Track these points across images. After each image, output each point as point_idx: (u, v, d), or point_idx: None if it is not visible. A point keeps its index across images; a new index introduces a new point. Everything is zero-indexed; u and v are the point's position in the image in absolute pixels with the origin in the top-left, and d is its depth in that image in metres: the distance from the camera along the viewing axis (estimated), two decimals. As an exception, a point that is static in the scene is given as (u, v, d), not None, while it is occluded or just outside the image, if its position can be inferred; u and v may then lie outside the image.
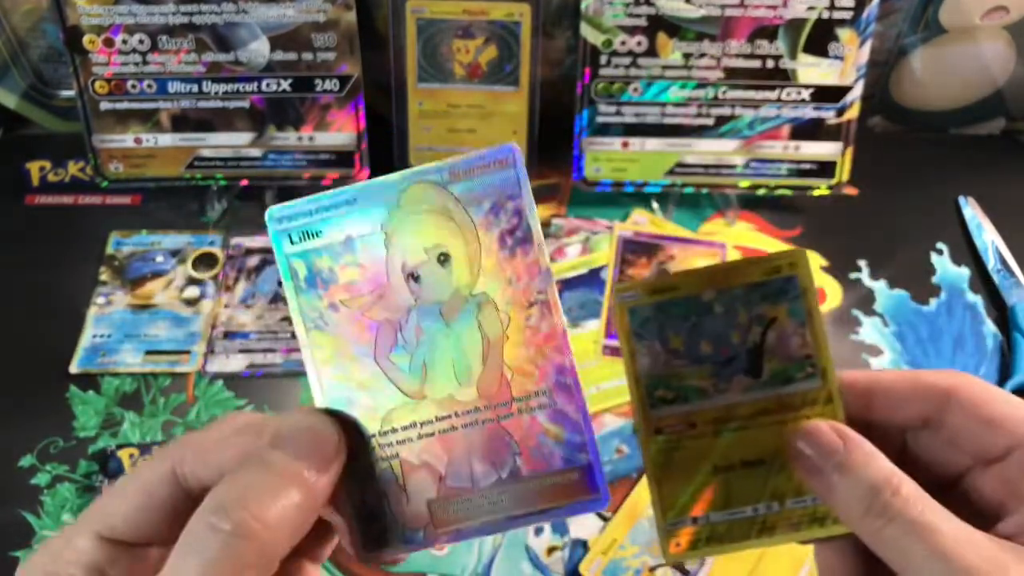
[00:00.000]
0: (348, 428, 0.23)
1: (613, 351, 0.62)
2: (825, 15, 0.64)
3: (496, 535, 0.25)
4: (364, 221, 0.23)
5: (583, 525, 0.54)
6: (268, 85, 0.66)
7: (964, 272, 0.67)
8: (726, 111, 0.66)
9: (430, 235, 0.23)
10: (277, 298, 0.65)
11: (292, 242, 0.24)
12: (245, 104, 0.66)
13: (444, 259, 0.23)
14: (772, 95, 0.66)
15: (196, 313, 0.64)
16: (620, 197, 0.71)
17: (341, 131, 0.67)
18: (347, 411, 0.24)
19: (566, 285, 0.66)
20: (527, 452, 0.24)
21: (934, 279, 0.67)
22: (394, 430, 0.24)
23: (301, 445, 0.22)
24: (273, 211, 0.24)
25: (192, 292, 0.65)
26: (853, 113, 0.66)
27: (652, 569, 0.52)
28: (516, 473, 0.24)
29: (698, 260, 0.67)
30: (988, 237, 0.69)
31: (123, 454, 0.56)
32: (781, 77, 0.65)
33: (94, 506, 0.23)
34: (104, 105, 0.66)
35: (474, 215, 0.23)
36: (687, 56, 0.65)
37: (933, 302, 0.66)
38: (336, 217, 0.23)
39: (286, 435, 0.22)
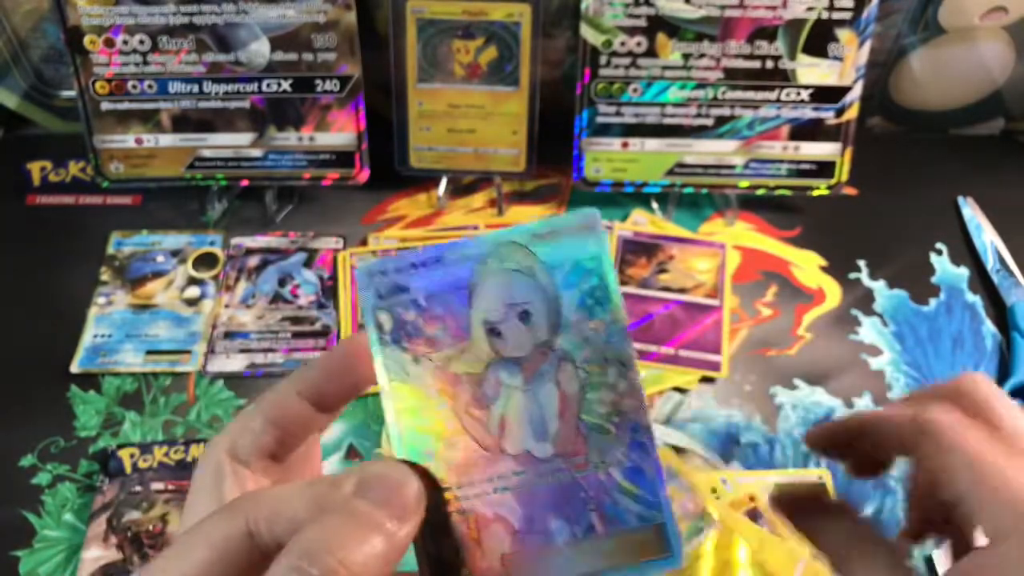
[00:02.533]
0: (426, 479, 0.24)
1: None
2: (824, 15, 0.64)
3: None
4: (449, 278, 0.24)
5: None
6: (268, 85, 0.66)
7: (963, 272, 0.68)
8: (726, 111, 0.66)
9: (512, 293, 0.24)
10: (277, 298, 0.65)
11: (380, 296, 0.25)
12: (245, 104, 0.66)
13: (525, 316, 0.24)
14: (771, 95, 0.66)
15: (197, 313, 0.64)
16: (620, 197, 0.71)
17: (341, 131, 0.67)
18: (425, 462, 0.24)
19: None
20: (602, 509, 0.24)
21: (933, 279, 0.67)
22: (471, 483, 0.24)
23: (383, 494, 0.22)
24: (362, 267, 0.25)
25: (193, 292, 0.66)
26: (852, 113, 0.66)
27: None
28: (591, 529, 0.24)
29: (698, 260, 0.67)
30: (987, 237, 0.69)
31: (124, 454, 0.56)
32: (780, 77, 0.65)
33: (154, 565, 0.22)
34: (105, 105, 0.66)
35: (556, 275, 0.24)
36: (687, 56, 0.65)
37: (932, 302, 0.66)
38: (423, 274, 0.24)
39: (368, 484, 0.22)
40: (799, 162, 0.68)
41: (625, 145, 0.68)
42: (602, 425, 0.24)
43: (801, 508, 0.28)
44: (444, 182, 0.71)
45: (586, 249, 0.24)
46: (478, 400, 0.24)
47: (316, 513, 0.22)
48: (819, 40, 0.64)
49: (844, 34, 0.64)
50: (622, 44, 0.65)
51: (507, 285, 0.24)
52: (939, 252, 0.69)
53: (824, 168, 0.68)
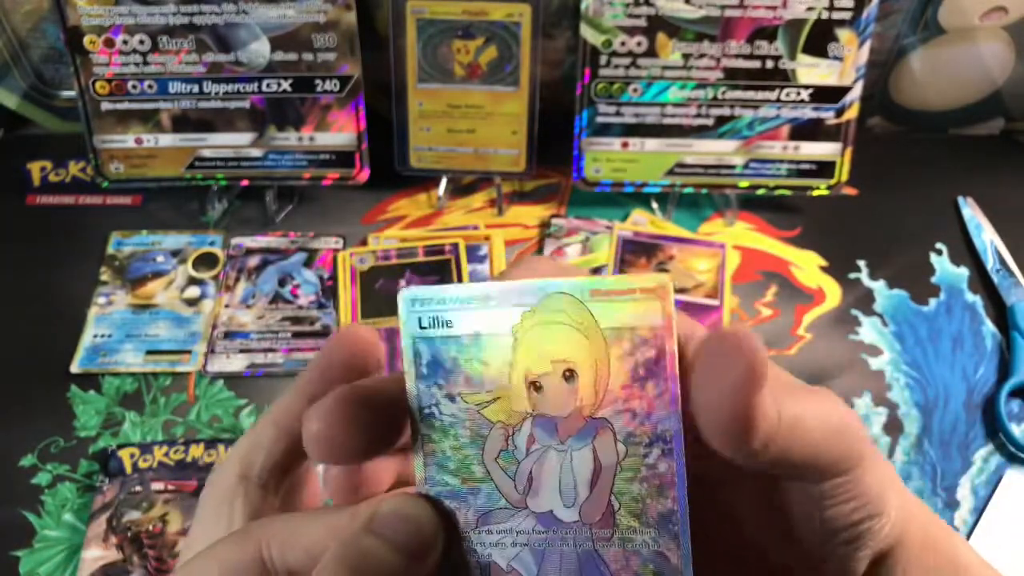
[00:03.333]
0: (445, 518, 0.23)
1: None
2: (824, 15, 0.64)
3: None
4: (496, 320, 0.23)
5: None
6: (268, 85, 0.66)
7: (963, 272, 0.68)
8: (726, 111, 0.66)
9: (560, 348, 0.23)
10: (277, 298, 0.65)
11: (421, 326, 0.23)
12: (245, 104, 0.66)
13: (570, 375, 0.23)
14: (771, 95, 0.66)
15: (197, 313, 0.64)
16: (620, 197, 0.71)
17: (341, 131, 0.67)
18: (446, 503, 0.23)
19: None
20: None
21: (933, 279, 0.67)
22: (489, 532, 0.23)
23: (399, 531, 0.22)
24: (408, 293, 0.23)
25: (193, 292, 0.66)
26: (852, 113, 0.66)
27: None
28: None
29: (698, 260, 0.67)
30: (987, 237, 0.69)
31: (124, 454, 0.56)
32: (780, 77, 0.65)
33: None
34: (105, 105, 0.66)
35: (610, 338, 0.22)
36: (687, 56, 0.65)
37: (932, 302, 0.66)
38: (469, 311, 0.23)
39: (386, 520, 0.22)
40: (799, 162, 0.68)
41: (625, 145, 0.68)
42: (634, 504, 0.23)
43: None
44: (444, 182, 0.71)
45: (648, 316, 0.22)
46: (508, 451, 0.23)
47: (326, 546, 0.21)
48: (819, 40, 0.64)
49: (844, 34, 0.64)
50: (622, 44, 0.65)
51: (555, 339, 0.23)
52: (939, 252, 0.69)
53: (824, 168, 0.68)
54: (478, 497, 0.23)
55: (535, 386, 0.23)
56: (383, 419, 0.22)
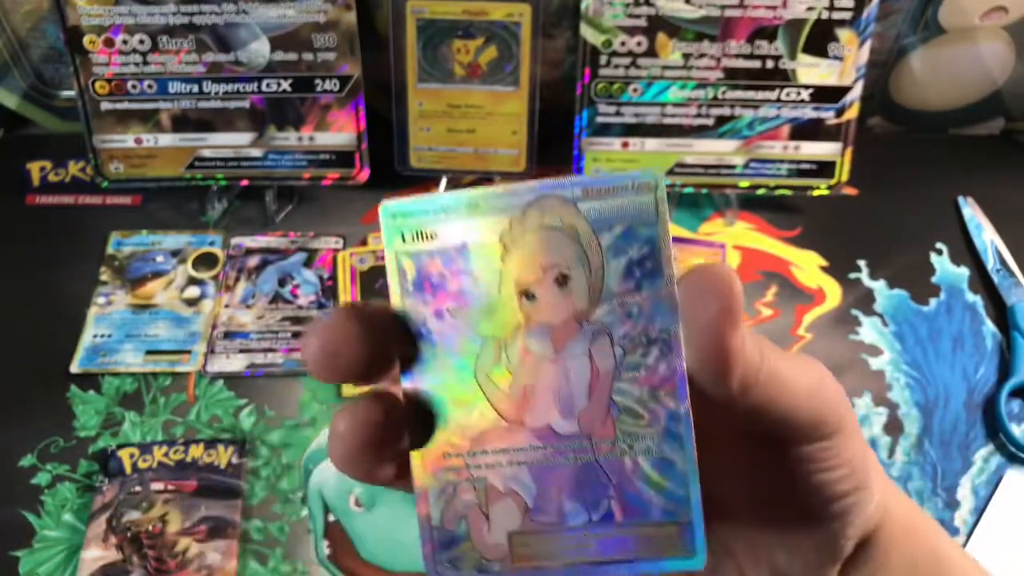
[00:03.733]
0: (436, 441, 0.22)
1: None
2: (825, 15, 0.64)
3: None
4: (483, 229, 0.22)
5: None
6: (268, 85, 0.66)
7: (964, 272, 0.68)
8: (726, 111, 0.66)
9: (551, 253, 0.22)
10: (277, 298, 0.65)
11: (404, 240, 0.22)
12: (245, 104, 0.66)
13: (563, 281, 0.22)
14: (772, 95, 0.66)
15: (196, 313, 0.64)
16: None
17: (341, 131, 0.67)
18: (436, 426, 0.22)
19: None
20: (623, 497, 0.22)
21: (934, 279, 0.67)
22: (484, 452, 0.22)
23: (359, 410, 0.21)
24: (388, 206, 0.22)
25: (192, 292, 0.66)
26: (853, 113, 0.66)
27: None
28: (608, 517, 0.22)
29: (698, 260, 0.67)
30: (987, 237, 0.69)
31: (123, 454, 0.56)
32: (781, 77, 0.65)
33: None
34: (104, 105, 0.66)
35: (603, 239, 0.21)
36: (687, 56, 0.65)
37: (933, 302, 0.66)
38: (454, 220, 0.22)
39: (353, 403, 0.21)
40: (799, 162, 0.68)
41: (625, 145, 0.68)
42: (635, 409, 0.22)
43: None
44: (444, 182, 0.71)
45: (641, 213, 0.21)
46: (501, 366, 0.22)
47: None
48: (819, 40, 0.64)
49: (844, 34, 0.64)
50: (622, 44, 0.65)
51: (546, 244, 0.22)
52: (939, 252, 0.69)
53: (824, 168, 0.68)
54: (471, 416, 0.22)
55: (527, 295, 0.22)
56: (380, 335, 0.21)
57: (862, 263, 0.68)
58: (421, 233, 0.22)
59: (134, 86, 0.66)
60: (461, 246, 0.22)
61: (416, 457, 0.22)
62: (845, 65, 0.65)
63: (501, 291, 0.22)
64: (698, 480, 0.22)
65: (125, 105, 0.66)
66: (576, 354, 0.22)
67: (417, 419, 0.22)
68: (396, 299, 0.22)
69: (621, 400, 0.22)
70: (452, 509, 0.23)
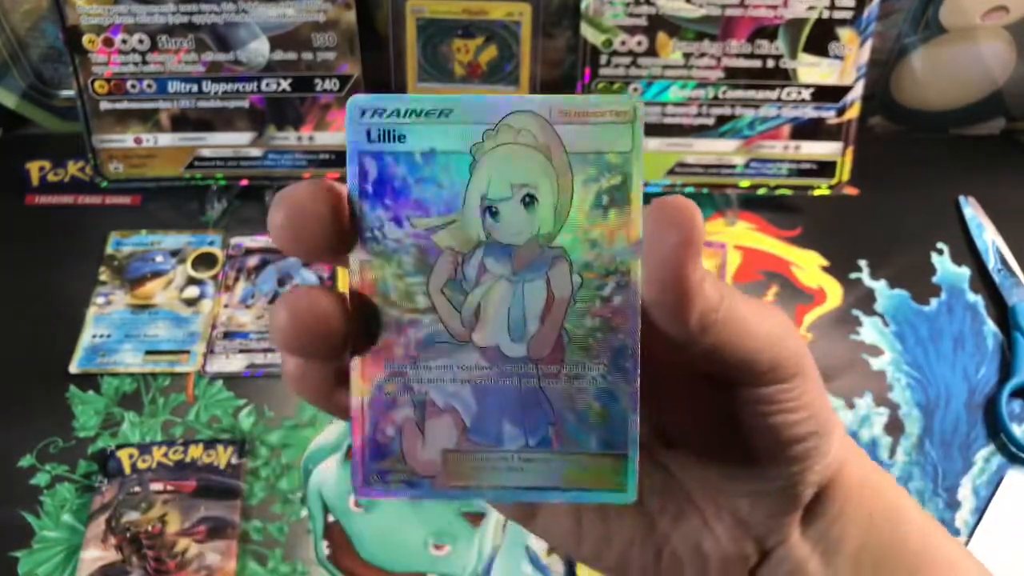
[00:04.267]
0: (378, 349, 0.22)
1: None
2: (825, 15, 0.64)
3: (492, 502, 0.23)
4: (454, 137, 0.21)
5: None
6: (268, 85, 0.66)
7: (964, 272, 0.67)
8: (726, 111, 0.66)
9: (521, 171, 0.21)
10: (277, 298, 0.65)
11: (370, 139, 0.21)
12: (245, 104, 0.66)
13: (529, 201, 0.21)
14: (772, 95, 0.66)
15: (196, 313, 0.64)
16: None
17: (341, 131, 0.67)
18: (382, 333, 0.22)
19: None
20: (562, 425, 0.22)
21: (934, 279, 0.67)
22: (428, 366, 0.22)
23: (300, 302, 0.20)
24: (357, 100, 0.21)
25: (192, 292, 0.65)
26: (853, 113, 0.66)
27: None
28: (546, 443, 0.22)
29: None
30: (988, 237, 0.69)
31: (123, 454, 0.56)
32: (781, 77, 0.65)
33: None
34: (104, 105, 0.66)
35: (575, 163, 0.21)
36: (687, 56, 0.65)
37: (933, 302, 0.66)
38: (425, 125, 0.21)
39: (291, 291, 0.21)
40: (800, 162, 0.68)
41: (625, 145, 0.68)
42: (586, 339, 0.22)
43: None
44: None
45: (617, 141, 0.21)
46: (456, 281, 0.22)
47: None
48: (820, 39, 0.64)
49: (845, 33, 0.64)
50: (622, 43, 0.65)
51: (516, 161, 0.21)
52: (940, 252, 0.69)
53: (825, 168, 0.68)
54: (419, 329, 0.22)
55: (491, 211, 0.21)
56: (343, 218, 0.21)
57: (863, 263, 0.68)
58: (389, 133, 0.21)
59: (133, 86, 0.65)
60: (429, 152, 0.21)
61: (356, 365, 0.22)
62: (846, 65, 0.65)
63: (465, 204, 0.21)
64: (638, 416, 0.22)
65: (124, 105, 0.66)
66: (533, 278, 0.22)
67: (362, 322, 0.22)
68: (354, 200, 0.22)
69: (572, 329, 0.22)
70: (387, 420, 0.22)
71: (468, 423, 0.22)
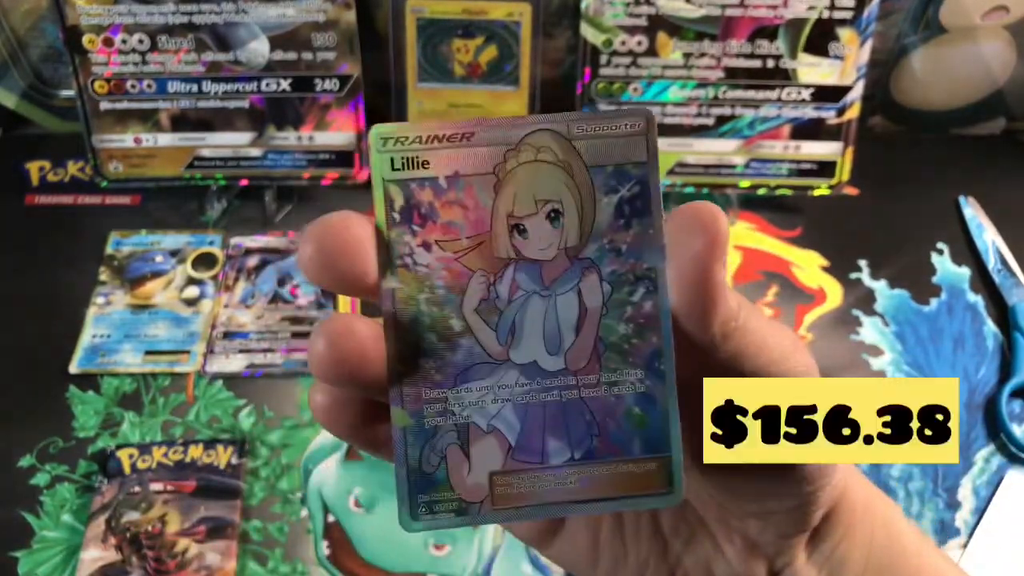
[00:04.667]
0: (417, 376, 0.22)
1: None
2: (825, 15, 0.64)
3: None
4: (477, 160, 0.22)
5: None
6: (268, 85, 0.66)
7: (964, 272, 0.67)
8: (726, 111, 0.66)
9: (545, 187, 0.22)
10: (277, 298, 0.65)
11: (394, 168, 0.22)
12: (245, 104, 0.66)
13: (555, 216, 0.22)
14: (772, 95, 0.66)
15: (196, 313, 0.64)
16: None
17: (341, 131, 0.67)
18: (420, 361, 0.22)
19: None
20: (606, 434, 0.22)
21: (934, 279, 0.67)
22: (468, 389, 0.22)
23: (335, 331, 0.20)
24: (380, 129, 0.22)
25: (192, 292, 0.65)
26: (853, 113, 0.66)
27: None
28: (590, 454, 0.22)
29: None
30: (988, 237, 0.69)
31: (123, 454, 0.56)
32: (781, 77, 0.65)
33: None
34: (104, 105, 0.66)
35: (595, 176, 0.22)
36: (687, 56, 0.65)
37: (934, 302, 0.66)
38: (448, 150, 0.22)
39: (328, 319, 0.21)
40: (800, 162, 0.68)
41: (625, 145, 0.68)
42: (620, 345, 0.22)
43: None
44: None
45: (634, 152, 0.22)
46: (490, 301, 0.22)
47: None
48: (820, 39, 0.64)
49: (845, 33, 0.64)
50: (622, 43, 0.65)
51: (539, 178, 0.22)
52: (940, 252, 0.69)
53: (825, 168, 0.68)
54: (456, 353, 0.22)
55: (518, 229, 0.22)
56: (372, 244, 0.21)
57: (863, 263, 0.68)
58: (413, 161, 0.22)
59: (133, 86, 0.65)
60: (453, 176, 0.22)
61: (395, 395, 0.22)
62: (846, 64, 0.65)
63: (493, 224, 0.22)
64: (678, 417, 0.22)
65: (124, 105, 0.66)
66: (565, 291, 0.22)
67: (398, 350, 0.22)
68: (382, 229, 0.22)
69: (607, 337, 0.22)
70: (431, 450, 0.22)
71: (513, 442, 0.22)
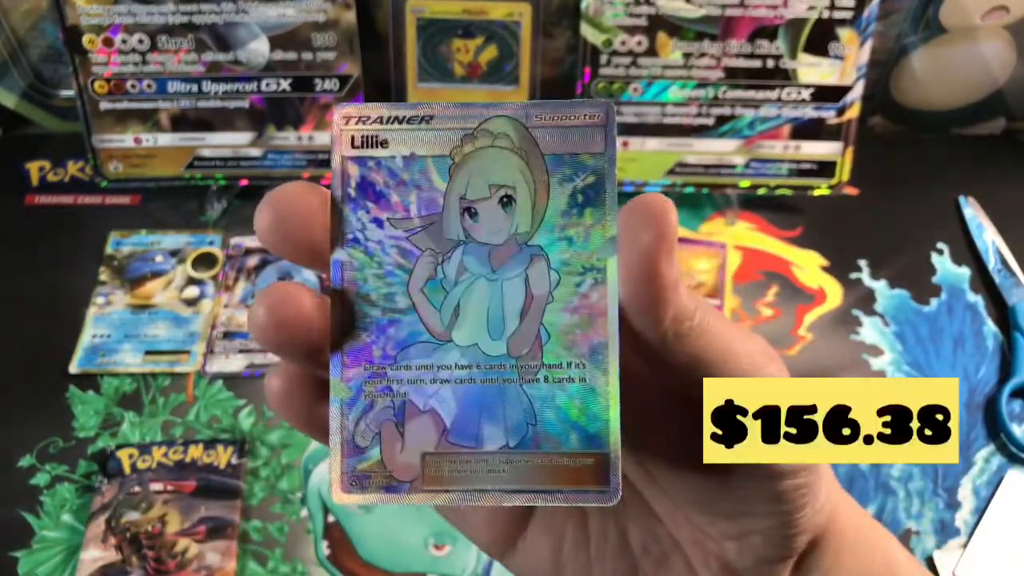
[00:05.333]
0: (358, 348, 0.22)
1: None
2: (825, 15, 0.64)
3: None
4: (434, 142, 0.22)
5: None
6: (268, 85, 0.66)
7: (964, 272, 0.67)
8: (726, 111, 0.66)
9: (499, 172, 0.22)
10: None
11: (354, 145, 0.22)
12: (245, 104, 0.66)
13: (507, 201, 0.22)
14: (772, 95, 0.66)
15: (196, 313, 0.64)
16: (620, 197, 0.71)
17: (341, 131, 0.67)
18: (363, 335, 0.22)
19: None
20: (543, 424, 0.22)
21: (935, 279, 0.67)
22: (408, 367, 0.22)
23: (274, 297, 0.20)
24: (343, 108, 0.22)
25: (192, 292, 0.65)
26: (853, 113, 0.66)
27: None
28: (526, 443, 0.22)
29: (699, 260, 0.67)
30: (988, 237, 0.69)
31: (122, 454, 0.56)
32: (781, 77, 0.65)
33: None
34: (104, 105, 0.66)
35: (550, 164, 0.22)
36: (687, 56, 0.65)
37: (934, 302, 0.66)
38: (406, 131, 0.22)
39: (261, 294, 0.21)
40: (800, 162, 0.68)
41: (625, 144, 0.68)
42: (565, 336, 0.22)
43: None
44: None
45: (591, 143, 0.22)
46: (436, 281, 0.22)
47: None
48: (820, 39, 0.64)
49: (845, 33, 0.64)
50: (622, 43, 0.65)
51: (494, 163, 0.22)
52: (940, 252, 0.69)
53: (825, 168, 0.68)
54: (399, 329, 0.22)
55: (470, 211, 0.22)
56: (327, 216, 0.22)
57: (863, 263, 0.68)
58: (372, 139, 0.22)
59: (133, 86, 0.65)
60: (410, 157, 0.22)
61: (335, 366, 0.22)
62: (846, 64, 0.65)
63: (445, 206, 0.22)
64: (619, 415, 0.22)
65: (124, 105, 0.66)
66: (512, 276, 0.22)
67: (341, 322, 0.22)
68: (337, 202, 0.22)
69: (552, 326, 0.22)
70: (367, 424, 0.22)
71: (448, 424, 0.22)
